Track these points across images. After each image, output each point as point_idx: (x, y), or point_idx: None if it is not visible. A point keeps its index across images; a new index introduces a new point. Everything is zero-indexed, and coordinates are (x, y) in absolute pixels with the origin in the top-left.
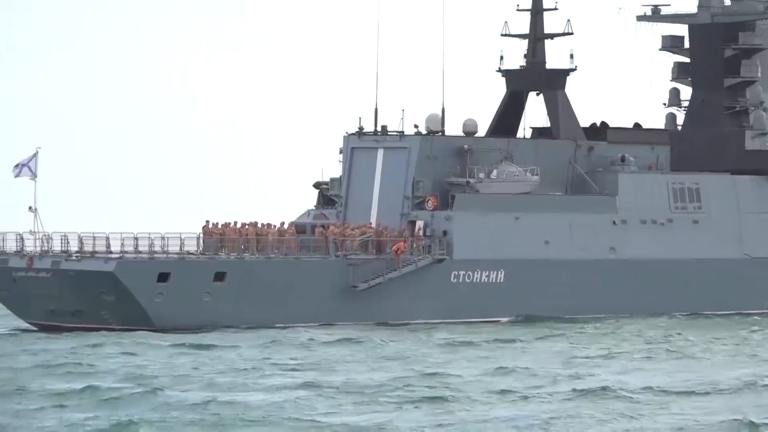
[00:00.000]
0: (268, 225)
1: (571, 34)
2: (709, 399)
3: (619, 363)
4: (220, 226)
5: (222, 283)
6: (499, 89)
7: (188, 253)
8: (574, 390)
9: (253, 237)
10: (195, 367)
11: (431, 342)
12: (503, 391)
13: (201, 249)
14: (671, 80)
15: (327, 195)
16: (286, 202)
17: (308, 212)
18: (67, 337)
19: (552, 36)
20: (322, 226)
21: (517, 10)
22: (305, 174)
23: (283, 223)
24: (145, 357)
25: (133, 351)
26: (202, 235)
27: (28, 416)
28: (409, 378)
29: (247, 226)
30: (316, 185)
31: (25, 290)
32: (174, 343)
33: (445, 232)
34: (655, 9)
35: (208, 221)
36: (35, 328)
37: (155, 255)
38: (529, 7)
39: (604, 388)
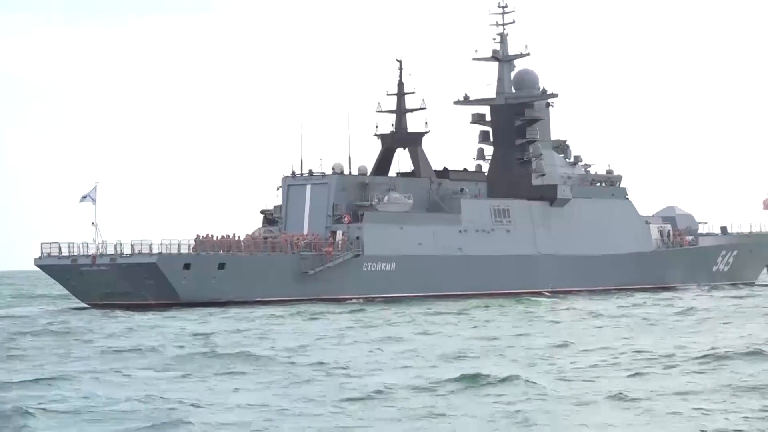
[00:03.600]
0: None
1: (425, 108)
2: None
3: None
4: (206, 236)
5: (223, 271)
6: (376, 146)
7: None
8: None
9: (236, 242)
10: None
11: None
12: None
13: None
14: (478, 143)
15: (269, 217)
16: (239, 223)
17: (259, 229)
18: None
19: (412, 110)
20: (273, 237)
21: (387, 94)
22: (251, 204)
23: (252, 233)
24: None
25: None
26: (193, 242)
27: None
28: None
29: (227, 236)
30: (262, 211)
31: (89, 280)
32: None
33: (358, 238)
34: (466, 96)
35: (198, 234)
36: (89, 306)
37: (180, 252)
38: (396, 92)
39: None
